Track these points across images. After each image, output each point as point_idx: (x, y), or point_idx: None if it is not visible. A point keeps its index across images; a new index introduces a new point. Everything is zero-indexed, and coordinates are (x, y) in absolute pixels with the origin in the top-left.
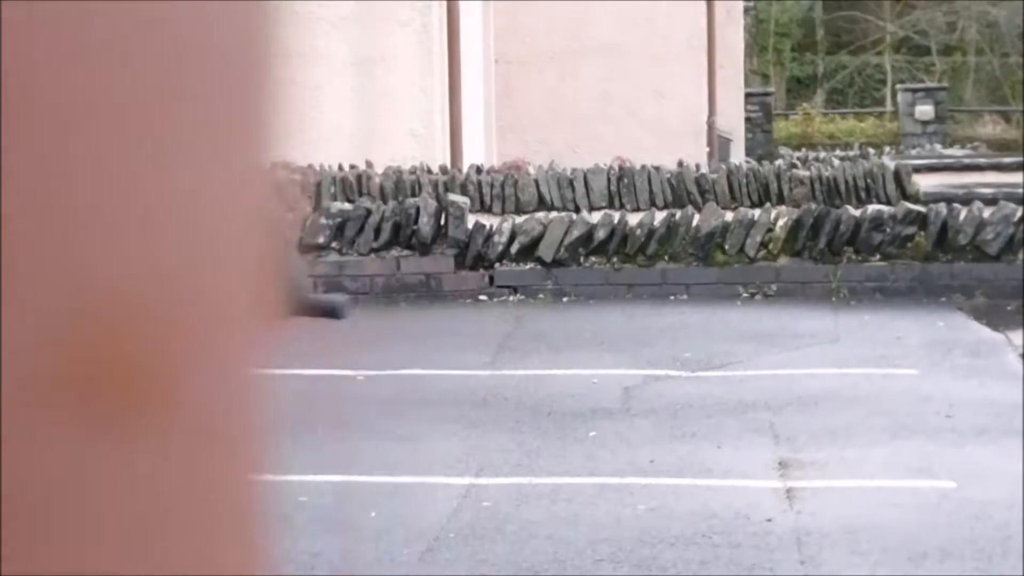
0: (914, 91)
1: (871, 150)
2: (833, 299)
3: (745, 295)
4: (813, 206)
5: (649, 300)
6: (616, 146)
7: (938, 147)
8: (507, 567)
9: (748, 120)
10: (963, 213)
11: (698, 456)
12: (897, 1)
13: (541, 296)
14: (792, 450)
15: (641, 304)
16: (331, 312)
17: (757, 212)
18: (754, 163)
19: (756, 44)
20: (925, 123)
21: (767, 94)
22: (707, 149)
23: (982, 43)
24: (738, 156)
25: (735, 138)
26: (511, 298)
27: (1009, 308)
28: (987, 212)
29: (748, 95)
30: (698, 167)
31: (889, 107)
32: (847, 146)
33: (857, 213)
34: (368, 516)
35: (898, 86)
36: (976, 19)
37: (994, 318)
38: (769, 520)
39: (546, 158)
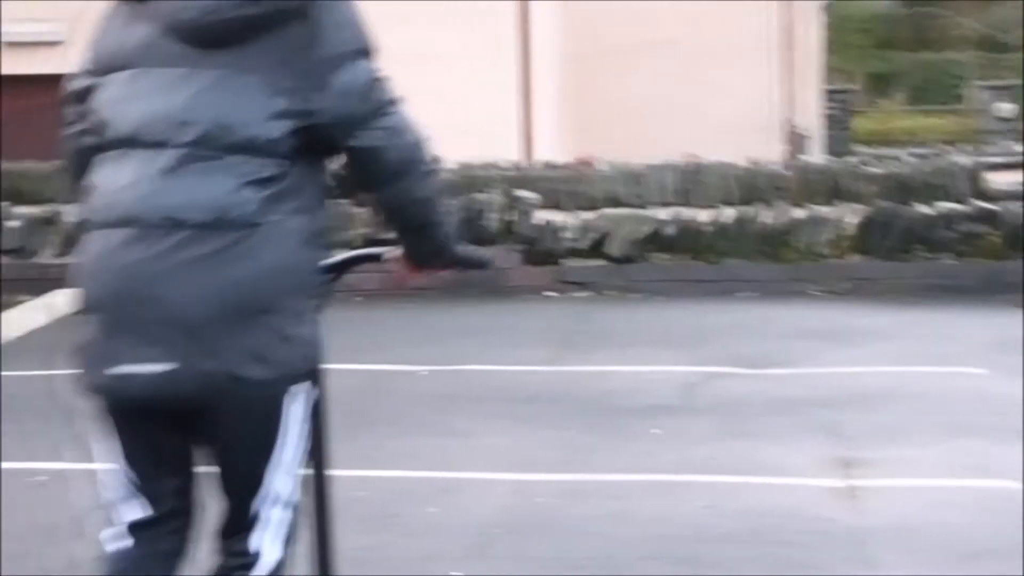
0: (993, 88)
1: (947, 147)
2: (903, 297)
3: (814, 292)
4: (884, 203)
5: (717, 297)
6: (690, 143)
7: (1014, 144)
8: (555, 563)
9: (828, 117)
10: None
11: (757, 454)
12: None
13: (608, 292)
14: (851, 448)
15: (708, 301)
16: (480, 264)
17: (827, 209)
18: (831, 159)
19: (837, 40)
20: (1005, 120)
21: (847, 91)
22: (784, 146)
23: None
24: (816, 153)
25: (813, 135)
26: (578, 294)
27: None
28: None
29: (828, 92)
30: (769, 164)
31: (969, 104)
32: (926, 143)
33: (928, 211)
34: (422, 511)
35: (977, 83)
36: None
37: None
38: (826, 518)
39: (618, 154)
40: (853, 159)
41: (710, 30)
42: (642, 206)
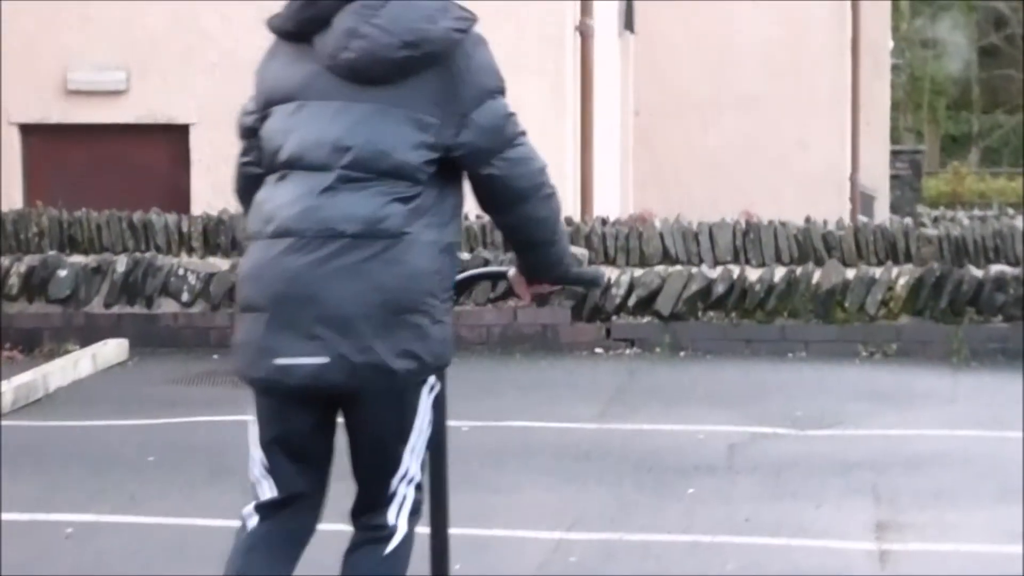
0: None
1: (1011, 210)
2: (953, 360)
3: (864, 353)
4: (936, 265)
5: (767, 356)
6: (756, 199)
7: None
8: None
9: (897, 177)
10: None
11: (795, 516)
12: None
13: (658, 350)
14: (892, 512)
15: (758, 360)
16: (591, 281)
17: (878, 270)
18: (893, 220)
19: (911, 101)
20: None
21: (917, 151)
22: (849, 205)
23: None
24: (883, 213)
25: (879, 194)
26: (627, 351)
27: None
28: None
29: (898, 152)
30: (825, 223)
31: None
32: (1000, 206)
33: (980, 273)
34: (452, 569)
35: None
36: None
37: None
38: None
39: (685, 209)
40: (909, 220)
41: (781, 87)
42: (695, 263)
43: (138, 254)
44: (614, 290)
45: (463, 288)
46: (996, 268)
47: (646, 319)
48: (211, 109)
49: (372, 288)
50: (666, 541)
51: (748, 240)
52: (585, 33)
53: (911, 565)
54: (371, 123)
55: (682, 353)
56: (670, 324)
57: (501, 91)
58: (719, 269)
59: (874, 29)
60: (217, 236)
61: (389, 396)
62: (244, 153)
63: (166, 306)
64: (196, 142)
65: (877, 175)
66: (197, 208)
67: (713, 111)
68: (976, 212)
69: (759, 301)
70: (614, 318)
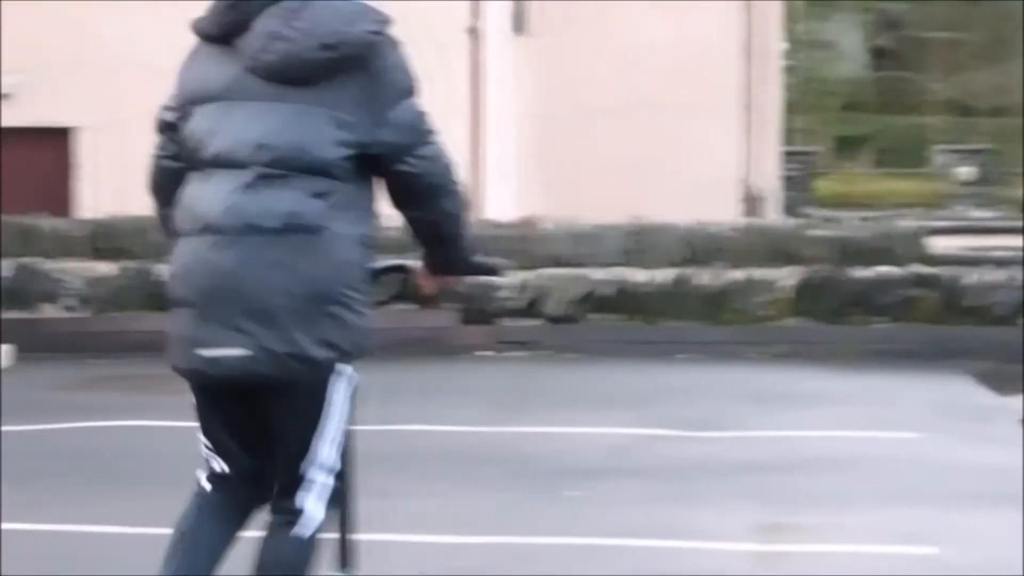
0: (957, 152)
1: (899, 211)
2: (839, 360)
3: (751, 355)
4: (822, 266)
5: (655, 358)
6: (650, 202)
7: (969, 209)
8: None
9: (789, 179)
10: (973, 276)
11: (681, 518)
12: (946, 62)
13: (545, 353)
14: (777, 513)
15: (646, 362)
16: (493, 271)
17: (766, 272)
18: (782, 222)
19: (804, 102)
20: (967, 184)
21: (809, 153)
22: (742, 207)
23: None
24: (774, 214)
25: (771, 196)
26: (516, 354)
27: (1017, 372)
28: (997, 275)
29: (790, 153)
30: (714, 225)
31: (934, 168)
32: (887, 206)
33: (867, 274)
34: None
35: (940, 147)
36: None
37: (1000, 382)
38: None
39: (582, 212)
40: (797, 221)
41: (675, 91)
42: (584, 266)
43: (24, 259)
44: (502, 293)
45: (373, 279)
46: (882, 269)
47: (535, 322)
48: (96, 114)
49: (293, 281)
50: (552, 544)
51: (636, 242)
52: (476, 35)
53: (792, 566)
54: (291, 122)
55: (570, 355)
56: (559, 327)
57: (415, 91)
58: (608, 271)
59: (767, 32)
60: (103, 241)
61: (310, 385)
62: (160, 147)
63: (50, 311)
64: (81, 147)
65: (769, 177)
66: (83, 213)
67: (608, 115)
68: (866, 213)
69: (647, 303)
70: (503, 321)
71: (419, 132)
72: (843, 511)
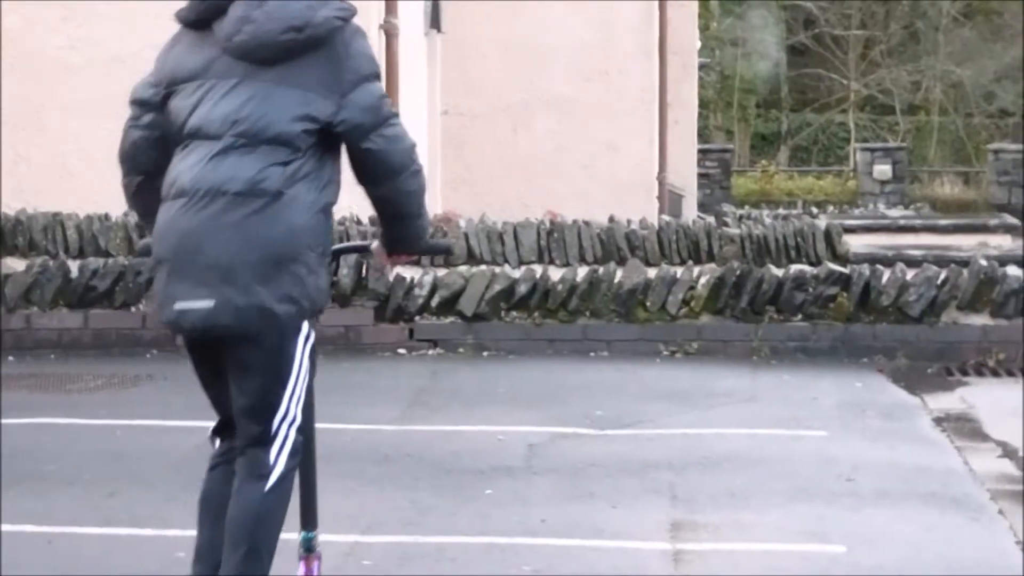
0: (873, 150)
1: (815, 209)
2: (754, 358)
3: (665, 353)
4: (736, 264)
5: (569, 356)
6: (566, 200)
7: (882, 207)
8: None
9: (707, 176)
10: (886, 275)
11: (592, 517)
12: (862, 60)
13: (461, 351)
14: (687, 512)
15: (561, 360)
16: (444, 250)
17: (680, 270)
18: (696, 219)
19: (721, 100)
20: (883, 183)
21: (726, 150)
22: (657, 204)
23: (946, 103)
24: (691, 212)
25: (688, 194)
26: (430, 352)
27: (929, 371)
28: (910, 274)
29: (707, 151)
30: (629, 223)
31: (851, 165)
32: (806, 204)
33: (781, 272)
34: None
35: (857, 145)
36: (940, 79)
37: (913, 381)
38: None
39: (496, 210)
40: (712, 219)
41: (590, 89)
42: (499, 264)
43: None
44: (417, 291)
45: (333, 259)
46: (796, 267)
47: (449, 319)
48: (12, 111)
49: (254, 240)
50: (462, 543)
51: (552, 240)
52: (390, 32)
53: (705, 565)
54: (259, 98)
55: (485, 353)
56: (473, 324)
57: (377, 76)
58: (523, 269)
59: (682, 30)
60: (14, 237)
61: (270, 339)
62: (133, 118)
63: None
64: None
65: (686, 174)
66: None
67: (523, 113)
68: (781, 211)
69: (562, 301)
70: (417, 319)
71: (381, 114)
72: (753, 509)
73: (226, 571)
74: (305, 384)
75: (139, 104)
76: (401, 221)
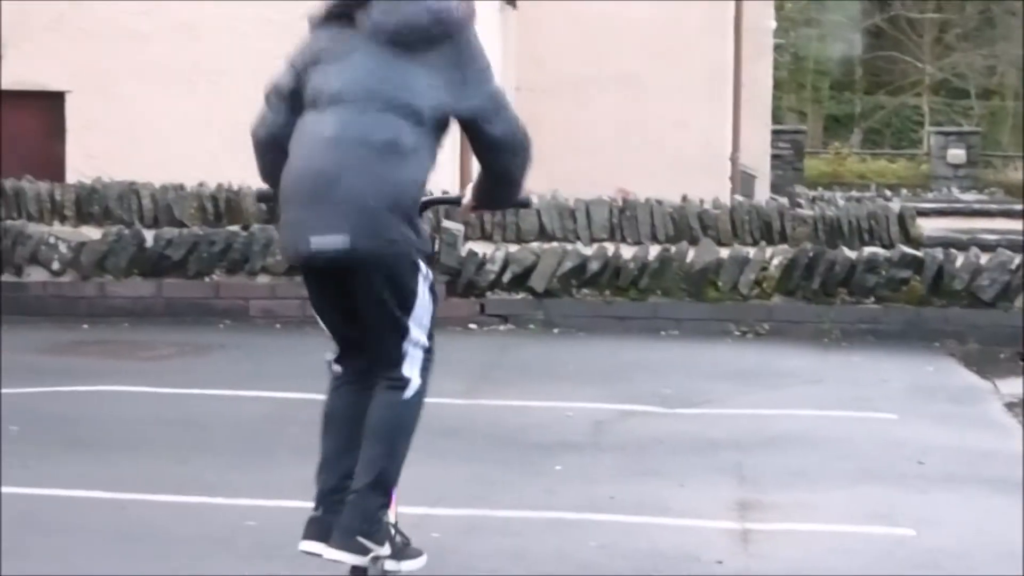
0: (947, 134)
1: (887, 192)
2: (824, 340)
3: (736, 333)
4: (809, 246)
5: (639, 334)
6: (634, 178)
7: (955, 192)
8: None
9: (779, 157)
10: (960, 259)
11: (658, 494)
12: (937, 43)
13: (531, 327)
14: (754, 491)
15: (630, 338)
16: (526, 205)
17: (752, 250)
18: (769, 200)
19: (794, 81)
20: (956, 167)
21: (799, 131)
22: (729, 184)
23: (1020, 88)
24: (763, 192)
25: (760, 174)
26: (501, 327)
27: (1002, 356)
28: (984, 258)
29: (779, 132)
30: (701, 202)
31: (924, 149)
32: (878, 187)
33: (854, 254)
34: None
35: (931, 128)
36: (1015, 64)
37: (985, 365)
38: (719, 562)
39: (564, 186)
40: (785, 200)
41: (665, 66)
42: (571, 241)
43: (9, 222)
44: (488, 266)
45: (423, 209)
46: (869, 250)
47: (520, 295)
48: (86, 77)
49: (388, 186)
50: (529, 518)
51: (624, 218)
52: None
53: (772, 545)
54: (398, 75)
55: (555, 330)
56: (544, 301)
57: (491, 69)
58: (594, 246)
59: (756, 9)
60: (90, 205)
61: (393, 270)
62: (271, 107)
63: (36, 275)
64: (71, 110)
65: (758, 155)
66: (71, 177)
67: (593, 89)
68: (854, 193)
69: (632, 279)
70: (488, 294)
71: (499, 101)
72: (820, 490)
73: (363, 466)
74: (429, 317)
75: (278, 97)
76: (507, 187)
